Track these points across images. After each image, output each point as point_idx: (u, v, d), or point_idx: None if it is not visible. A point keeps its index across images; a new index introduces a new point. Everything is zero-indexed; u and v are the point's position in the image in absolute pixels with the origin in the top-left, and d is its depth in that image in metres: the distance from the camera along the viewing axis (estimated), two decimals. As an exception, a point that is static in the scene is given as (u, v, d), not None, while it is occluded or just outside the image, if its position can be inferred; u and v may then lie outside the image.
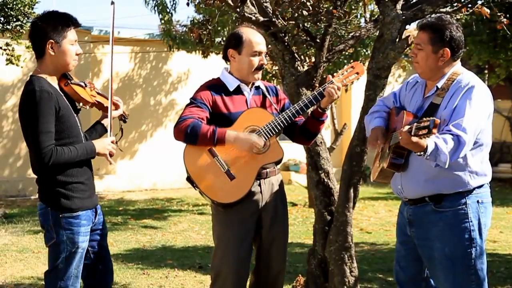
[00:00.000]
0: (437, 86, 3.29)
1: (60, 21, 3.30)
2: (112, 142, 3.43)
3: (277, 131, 3.64)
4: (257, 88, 3.80)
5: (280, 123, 3.64)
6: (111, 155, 3.41)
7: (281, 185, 3.82)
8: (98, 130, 3.60)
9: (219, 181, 3.56)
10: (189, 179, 3.62)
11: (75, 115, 3.36)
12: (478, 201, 3.24)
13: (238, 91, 3.72)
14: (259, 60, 3.70)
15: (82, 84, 3.46)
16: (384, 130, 3.44)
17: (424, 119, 2.91)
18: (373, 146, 3.47)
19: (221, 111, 3.65)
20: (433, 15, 3.44)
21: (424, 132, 2.87)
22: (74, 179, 3.27)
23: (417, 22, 3.89)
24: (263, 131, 3.61)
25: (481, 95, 3.19)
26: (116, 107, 3.64)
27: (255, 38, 3.69)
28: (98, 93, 3.58)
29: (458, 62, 3.35)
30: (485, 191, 3.30)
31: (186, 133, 3.54)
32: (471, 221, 3.21)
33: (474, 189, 3.24)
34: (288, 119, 3.65)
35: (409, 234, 3.38)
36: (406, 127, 2.96)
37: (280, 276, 3.82)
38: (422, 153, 2.99)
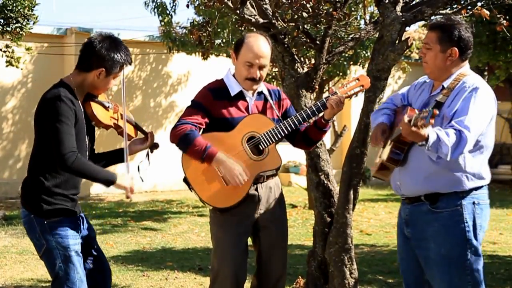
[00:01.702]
0: (443, 85, 3.30)
1: (121, 59, 3.30)
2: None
3: (276, 139, 3.61)
4: (260, 93, 3.74)
5: (281, 131, 3.60)
6: (131, 191, 3.37)
7: (279, 188, 3.80)
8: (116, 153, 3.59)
9: (215, 185, 3.55)
10: (185, 180, 3.61)
11: (86, 132, 3.33)
12: (474, 202, 3.24)
13: (240, 96, 3.68)
14: (251, 72, 3.60)
15: (106, 104, 3.43)
16: (386, 126, 3.46)
17: (424, 109, 2.93)
18: (373, 144, 3.49)
19: (222, 116, 3.61)
20: (442, 16, 3.44)
21: (422, 122, 2.88)
22: (61, 191, 3.27)
23: (417, 23, 3.89)
24: (263, 138, 3.59)
25: (485, 97, 3.19)
26: (144, 140, 3.62)
27: (253, 48, 3.59)
28: (122, 118, 3.49)
29: (467, 64, 3.35)
30: (482, 193, 3.29)
31: (180, 139, 3.54)
32: (467, 222, 3.21)
33: (470, 190, 3.24)
34: (288, 127, 3.62)
35: (406, 234, 3.39)
36: (406, 118, 2.98)
37: (281, 280, 3.82)
38: (424, 142, 3.00)
